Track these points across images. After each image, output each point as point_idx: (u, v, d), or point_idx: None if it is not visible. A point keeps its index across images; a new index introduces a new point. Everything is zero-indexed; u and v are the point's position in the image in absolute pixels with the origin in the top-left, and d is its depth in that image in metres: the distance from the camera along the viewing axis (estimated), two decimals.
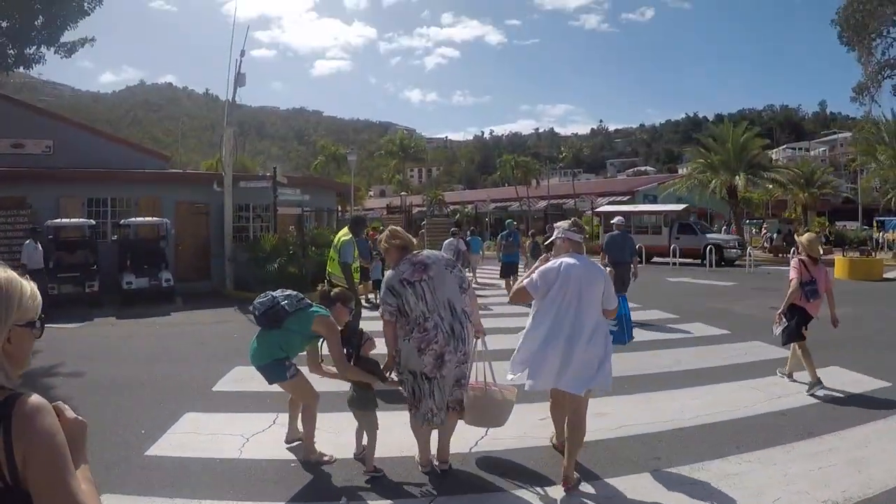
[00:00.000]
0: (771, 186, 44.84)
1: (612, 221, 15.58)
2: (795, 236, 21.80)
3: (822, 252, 9.74)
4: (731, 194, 40.43)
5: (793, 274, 8.81)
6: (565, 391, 5.43)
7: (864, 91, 43.78)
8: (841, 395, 8.33)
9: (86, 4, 18.24)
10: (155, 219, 20.49)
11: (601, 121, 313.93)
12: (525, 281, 5.63)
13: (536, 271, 5.59)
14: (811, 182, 50.19)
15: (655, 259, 32.82)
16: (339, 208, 67.23)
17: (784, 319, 8.78)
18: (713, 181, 39.80)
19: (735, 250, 32.94)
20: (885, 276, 26.19)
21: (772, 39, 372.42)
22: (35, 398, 1.80)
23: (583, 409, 5.47)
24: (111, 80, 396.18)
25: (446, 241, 19.95)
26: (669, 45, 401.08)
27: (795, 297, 8.69)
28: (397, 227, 5.93)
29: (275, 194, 21.02)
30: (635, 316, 13.17)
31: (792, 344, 8.88)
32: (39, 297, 1.96)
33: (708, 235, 34.15)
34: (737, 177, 38.39)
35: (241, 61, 21.78)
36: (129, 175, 23.52)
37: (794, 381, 8.97)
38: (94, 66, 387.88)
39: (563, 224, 5.79)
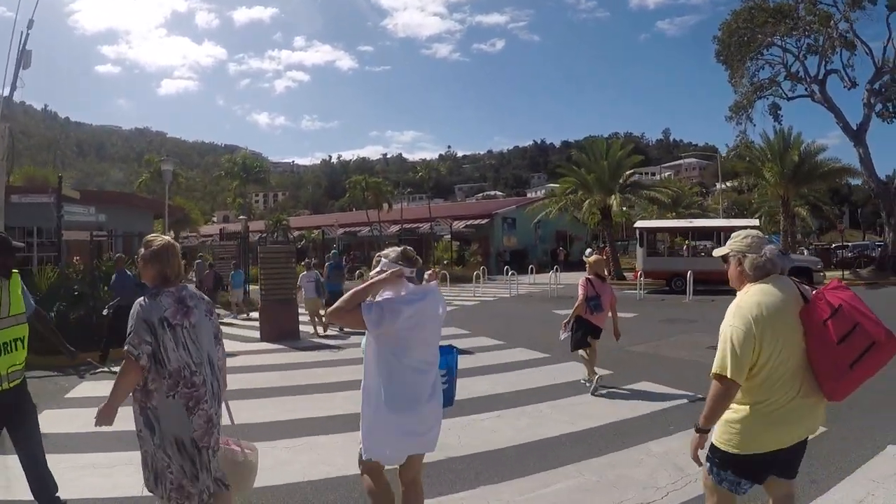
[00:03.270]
0: (652, 207, 42.08)
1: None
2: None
3: (606, 272, 11.19)
4: (605, 215, 37.43)
5: (580, 291, 10.17)
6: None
7: (742, 110, 42.06)
8: None
9: None
10: None
11: (449, 146, 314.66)
12: (367, 305, 4.23)
13: (381, 298, 4.33)
14: (678, 202, 48.60)
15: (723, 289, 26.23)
16: (173, 234, 62.00)
17: (569, 329, 10.16)
18: (587, 201, 36.34)
19: (821, 274, 28.91)
20: None
21: (617, 70, 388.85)
22: None
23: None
24: None
25: (303, 274, 18.87)
26: (518, 75, 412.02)
27: (581, 310, 10.07)
28: (159, 241, 4.41)
29: (58, 213, 15.72)
30: None
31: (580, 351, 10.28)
32: None
33: (792, 256, 29.77)
34: (612, 196, 35.14)
35: (27, 34, 16.45)
36: None
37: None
38: None
39: (390, 254, 4.57)
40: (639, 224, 33.90)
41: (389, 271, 4.37)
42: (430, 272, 4.92)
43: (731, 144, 45.74)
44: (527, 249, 55.36)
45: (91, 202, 17.75)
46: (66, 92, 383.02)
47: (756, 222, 33.98)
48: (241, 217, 48.69)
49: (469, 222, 55.34)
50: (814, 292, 3.75)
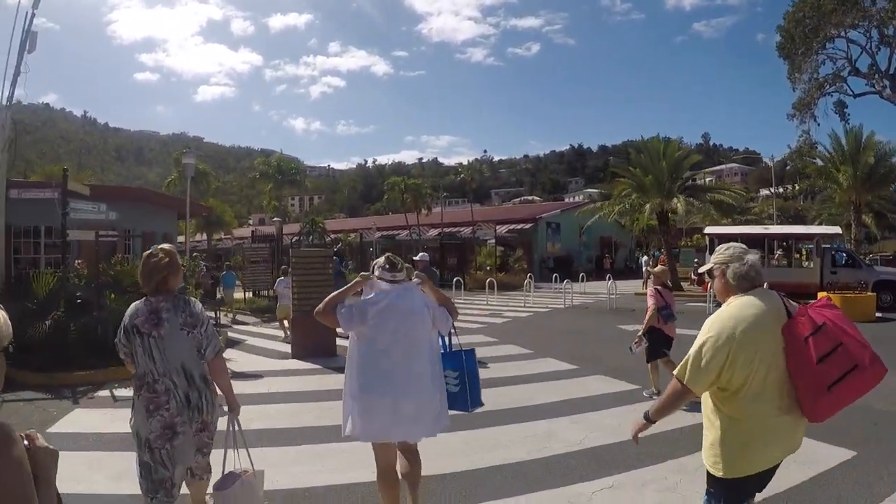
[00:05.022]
0: (710, 212, 39.12)
1: (415, 258, 14.81)
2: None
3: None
4: (662, 220, 34.73)
5: (650, 301, 10.20)
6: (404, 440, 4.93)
7: (805, 108, 39.34)
8: None
9: None
10: None
11: (486, 151, 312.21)
12: (340, 306, 4.92)
13: (355, 301, 5.05)
14: (733, 208, 45.65)
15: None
16: (206, 237, 60.26)
17: (644, 340, 10.09)
18: (647, 204, 33.51)
19: None
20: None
21: (653, 73, 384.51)
22: (5, 427, 1.82)
23: (415, 446, 5.08)
24: None
25: (279, 279, 18.42)
26: (553, 78, 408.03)
27: (654, 320, 10.07)
28: (161, 250, 4.72)
29: (63, 209, 13.67)
30: None
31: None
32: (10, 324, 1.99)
33: (876, 268, 27.59)
34: (675, 199, 32.33)
35: (32, 14, 14.73)
36: None
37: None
38: None
39: (380, 260, 5.11)
40: (709, 230, 31.14)
41: (353, 281, 5.21)
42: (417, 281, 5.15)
43: (794, 145, 43.26)
44: (571, 256, 52.91)
45: (103, 198, 15.66)
46: (105, 99, 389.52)
47: (838, 230, 31.12)
48: (275, 219, 46.55)
49: (512, 227, 52.86)
50: (798, 308, 3.59)
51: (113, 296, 12.80)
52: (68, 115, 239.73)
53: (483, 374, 11.71)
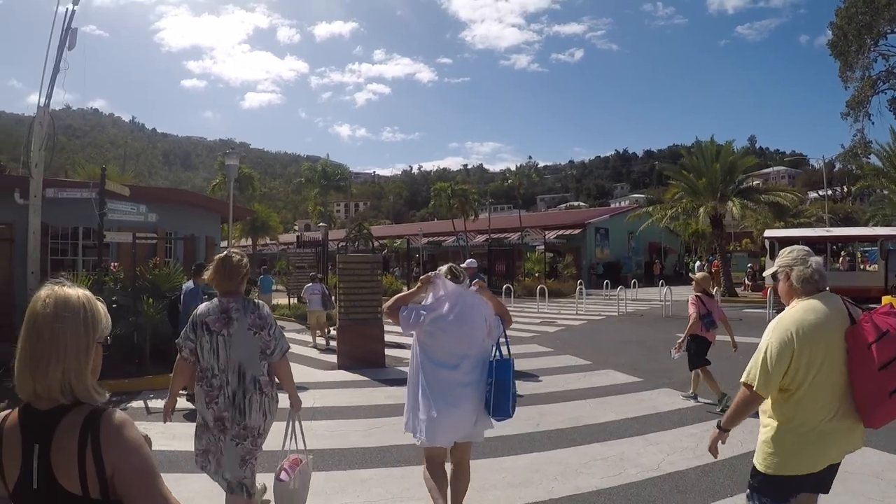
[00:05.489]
0: (767, 214, 37.60)
1: (463, 265, 11.49)
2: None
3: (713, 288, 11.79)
4: (716, 223, 33.55)
5: (692, 309, 10.17)
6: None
7: (859, 106, 37.94)
8: None
9: None
10: None
11: (530, 157, 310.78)
12: (403, 308, 5.03)
13: (417, 305, 5.07)
14: (786, 211, 43.93)
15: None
16: (251, 242, 60.10)
17: (683, 348, 10.13)
18: (702, 208, 32.28)
19: None
20: None
21: (698, 77, 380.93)
22: (119, 412, 1.93)
23: (468, 460, 5.23)
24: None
25: (307, 286, 18.06)
26: (597, 84, 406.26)
27: (696, 328, 10.02)
28: (239, 254, 5.01)
29: (100, 210, 13.16)
30: None
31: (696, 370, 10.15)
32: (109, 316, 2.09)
33: None
34: (729, 202, 31.15)
35: (73, 12, 14.20)
36: None
37: (699, 401, 10.05)
38: (22, 86, 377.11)
39: (442, 268, 5.24)
40: (769, 233, 29.88)
41: (418, 283, 5.15)
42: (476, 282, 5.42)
43: (847, 145, 41.95)
44: (620, 262, 51.71)
45: (144, 200, 15.15)
46: (153, 105, 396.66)
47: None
48: (321, 224, 45.98)
49: (560, 232, 51.81)
50: (862, 314, 3.55)
51: (151, 300, 12.21)
52: (117, 120, 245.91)
53: (539, 387, 11.01)
